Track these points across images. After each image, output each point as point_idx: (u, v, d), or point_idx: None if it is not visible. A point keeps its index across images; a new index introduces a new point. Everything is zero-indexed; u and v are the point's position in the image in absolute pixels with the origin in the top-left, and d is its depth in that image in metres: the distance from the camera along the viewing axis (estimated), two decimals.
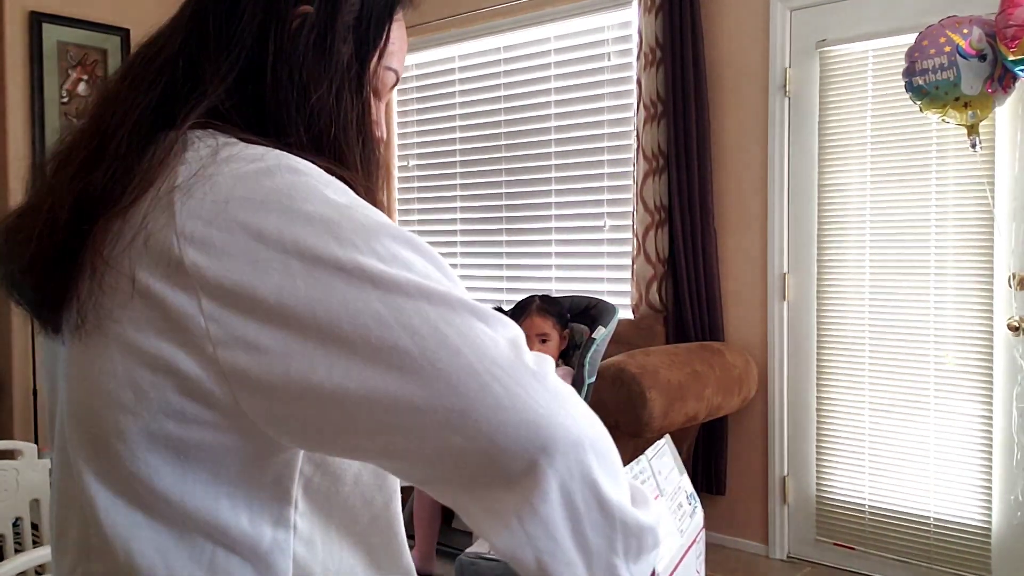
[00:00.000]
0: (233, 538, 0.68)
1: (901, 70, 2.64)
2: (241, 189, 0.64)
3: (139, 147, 0.70)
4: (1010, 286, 2.72)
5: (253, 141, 0.71)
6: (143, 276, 0.64)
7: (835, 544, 3.14)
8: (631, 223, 3.47)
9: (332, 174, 0.69)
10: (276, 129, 0.74)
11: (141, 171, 0.68)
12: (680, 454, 3.77)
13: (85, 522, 0.70)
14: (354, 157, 0.76)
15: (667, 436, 1.10)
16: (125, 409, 0.66)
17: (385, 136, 0.85)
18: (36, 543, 1.74)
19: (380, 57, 0.79)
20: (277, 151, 0.68)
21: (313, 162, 0.69)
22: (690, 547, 1.05)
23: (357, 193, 0.69)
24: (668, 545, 0.98)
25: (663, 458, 1.04)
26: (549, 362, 0.66)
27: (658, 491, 1.00)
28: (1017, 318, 2.69)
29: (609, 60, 3.64)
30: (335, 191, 0.66)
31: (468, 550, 1.71)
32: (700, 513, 1.13)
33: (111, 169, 0.69)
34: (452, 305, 0.63)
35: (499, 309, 2.83)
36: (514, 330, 0.65)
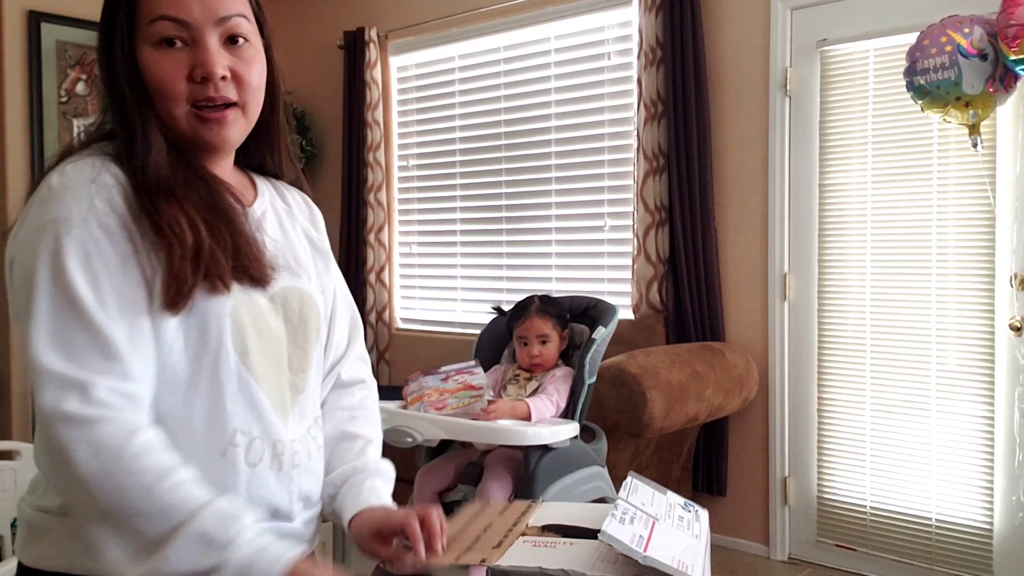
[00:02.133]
0: None
1: (902, 69, 2.63)
2: (31, 206, 0.95)
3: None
4: (1012, 286, 2.71)
5: (86, 152, 0.97)
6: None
7: (836, 545, 3.14)
8: (631, 223, 3.46)
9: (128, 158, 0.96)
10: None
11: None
12: (681, 455, 3.71)
13: None
14: (133, 125, 0.97)
15: (631, 472, 1.17)
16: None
17: (216, 75, 0.98)
18: None
19: (129, 30, 0.96)
20: (58, 173, 0.94)
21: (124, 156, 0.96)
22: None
23: (137, 154, 0.95)
24: (694, 552, 1.02)
25: (638, 491, 1.12)
26: None
27: (652, 518, 1.05)
28: (1019, 318, 2.69)
29: (609, 60, 3.63)
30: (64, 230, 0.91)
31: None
32: (704, 513, 1.16)
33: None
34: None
35: (499, 309, 2.80)
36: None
